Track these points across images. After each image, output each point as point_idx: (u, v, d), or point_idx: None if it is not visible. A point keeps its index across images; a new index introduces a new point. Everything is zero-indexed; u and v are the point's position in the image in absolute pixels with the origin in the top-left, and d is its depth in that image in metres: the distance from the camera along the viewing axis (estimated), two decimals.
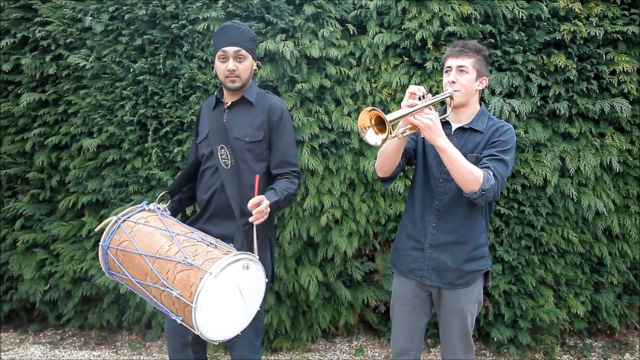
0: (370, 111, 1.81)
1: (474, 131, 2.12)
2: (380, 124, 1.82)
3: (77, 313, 3.72)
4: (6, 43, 3.31)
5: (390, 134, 1.77)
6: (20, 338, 3.73)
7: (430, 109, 1.89)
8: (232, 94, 2.22)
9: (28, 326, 3.85)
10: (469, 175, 1.89)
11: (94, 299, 3.69)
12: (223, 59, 2.13)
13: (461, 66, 2.08)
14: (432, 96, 1.94)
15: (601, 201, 3.28)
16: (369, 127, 1.85)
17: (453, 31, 3.16)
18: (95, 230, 2.13)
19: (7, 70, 3.36)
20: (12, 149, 3.45)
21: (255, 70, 2.25)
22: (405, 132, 1.90)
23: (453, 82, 2.08)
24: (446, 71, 2.14)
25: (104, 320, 3.69)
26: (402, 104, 1.89)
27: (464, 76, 2.07)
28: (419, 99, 1.88)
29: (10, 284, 3.72)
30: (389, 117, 1.73)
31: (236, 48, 2.11)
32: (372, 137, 1.84)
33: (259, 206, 1.93)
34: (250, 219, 1.93)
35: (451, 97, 2.07)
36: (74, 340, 3.73)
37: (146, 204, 2.11)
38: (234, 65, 2.11)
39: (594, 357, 3.56)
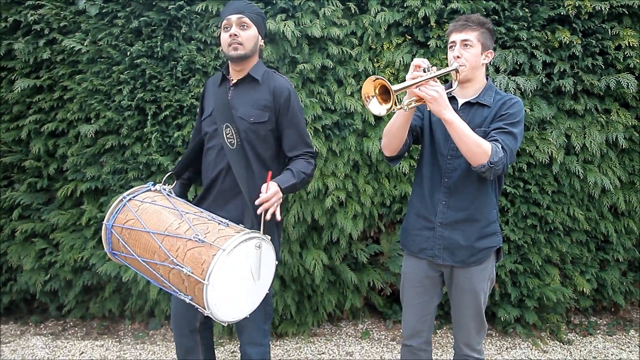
0: (375, 80, 1.76)
1: (481, 105, 2.07)
2: (385, 94, 1.77)
3: (78, 303, 3.66)
4: None
5: (395, 104, 1.72)
6: (21, 330, 3.67)
7: (436, 81, 1.84)
8: (238, 71, 2.14)
9: (28, 318, 3.79)
10: (477, 148, 1.85)
11: (95, 289, 3.64)
12: (227, 28, 2.08)
13: (465, 40, 2.02)
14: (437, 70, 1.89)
15: (607, 178, 3.26)
16: (372, 96, 1.79)
17: (456, 8, 3.10)
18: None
19: None
20: (7, 137, 3.37)
21: (261, 46, 2.18)
22: (410, 103, 1.85)
23: (458, 57, 2.02)
24: (450, 46, 2.08)
25: (106, 309, 3.64)
26: (407, 76, 1.84)
27: (468, 50, 2.02)
28: (424, 71, 1.83)
29: (9, 275, 3.65)
30: (394, 87, 1.69)
31: (239, 15, 2.07)
32: (375, 106, 1.79)
33: (267, 202, 1.89)
34: (259, 210, 1.88)
35: (457, 71, 2.02)
36: (76, 330, 3.68)
37: (152, 184, 2.06)
38: (236, 31, 2.06)
39: (599, 335, 3.57)
